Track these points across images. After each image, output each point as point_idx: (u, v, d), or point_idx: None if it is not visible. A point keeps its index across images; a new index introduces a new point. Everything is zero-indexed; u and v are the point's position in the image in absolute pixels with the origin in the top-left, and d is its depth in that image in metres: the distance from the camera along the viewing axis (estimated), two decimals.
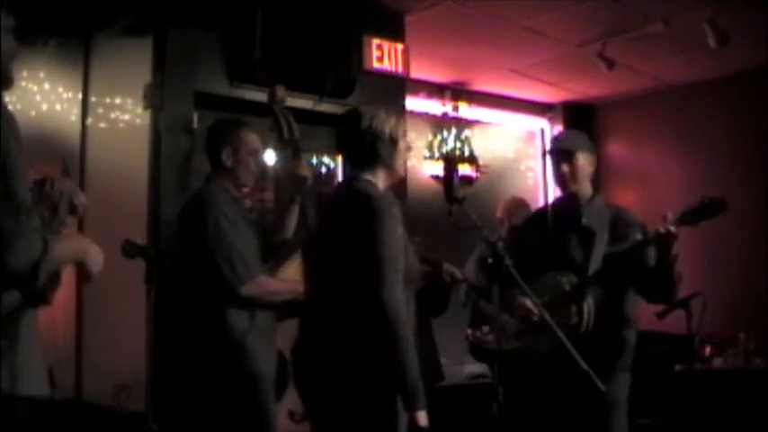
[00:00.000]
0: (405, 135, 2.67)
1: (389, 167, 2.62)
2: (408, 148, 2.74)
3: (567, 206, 3.31)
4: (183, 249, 3.39)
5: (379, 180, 2.60)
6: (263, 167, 3.40)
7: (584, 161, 3.27)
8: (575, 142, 3.33)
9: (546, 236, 3.11)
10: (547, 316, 2.68)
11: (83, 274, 2.27)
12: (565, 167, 3.25)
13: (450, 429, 4.50)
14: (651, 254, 3.08)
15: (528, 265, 2.97)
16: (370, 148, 2.57)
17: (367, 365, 2.41)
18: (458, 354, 4.95)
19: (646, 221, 3.18)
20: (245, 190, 3.54)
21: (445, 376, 4.17)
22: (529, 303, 3.03)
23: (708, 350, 5.45)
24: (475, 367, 5.41)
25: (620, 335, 3.18)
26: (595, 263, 3.09)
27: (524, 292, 2.81)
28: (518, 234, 3.59)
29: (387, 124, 2.60)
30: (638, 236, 3.11)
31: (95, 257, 2.22)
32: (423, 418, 2.34)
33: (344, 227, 2.50)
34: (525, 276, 2.85)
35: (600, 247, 3.11)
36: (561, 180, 3.29)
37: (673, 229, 2.96)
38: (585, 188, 3.30)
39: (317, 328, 2.60)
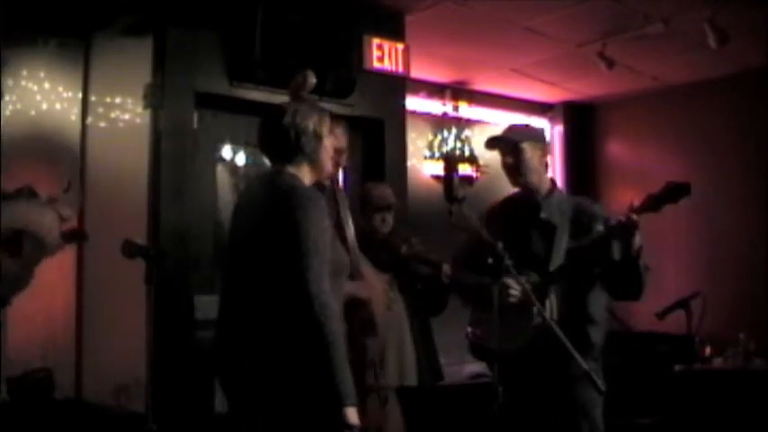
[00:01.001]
0: (329, 132, 2.66)
1: (314, 162, 2.61)
2: (340, 150, 2.70)
3: (523, 200, 3.19)
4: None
5: (305, 175, 2.59)
6: None
7: (531, 152, 3.13)
8: (518, 133, 3.22)
9: (505, 233, 2.89)
10: (540, 309, 2.63)
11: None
12: (509, 159, 3.14)
13: (451, 429, 4.51)
14: (616, 247, 2.95)
15: (488, 264, 2.91)
16: (294, 143, 2.57)
17: (296, 361, 2.37)
18: (458, 354, 4.94)
19: (642, 221, 3.07)
20: None
21: (445, 376, 4.16)
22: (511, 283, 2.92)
23: (708, 350, 5.45)
24: (475, 367, 5.40)
25: (584, 334, 3.00)
26: (557, 258, 2.97)
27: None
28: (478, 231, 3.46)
29: (310, 119, 2.60)
30: (600, 227, 2.98)
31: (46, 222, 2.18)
32: (353, 414, 2.32)
33: (268, 220, 2.48)
34: (487, 276, 2.83)
35: (561, 242, 3.00)
36: (507, 173, 3.17)
37: (634, 217, 2.86)
38: (541, 181, 3.17)
39: (240, 326, 2.54)
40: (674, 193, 2.87)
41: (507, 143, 3.17)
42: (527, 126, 3.39)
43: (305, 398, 2.37)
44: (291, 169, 2.58)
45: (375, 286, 2.89)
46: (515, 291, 2.91)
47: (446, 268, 3.74)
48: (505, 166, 3.17)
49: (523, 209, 3.16)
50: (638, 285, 2.99)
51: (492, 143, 3.24)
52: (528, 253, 3.02)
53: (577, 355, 2.62)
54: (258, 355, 2.45)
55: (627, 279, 2.98)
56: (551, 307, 2.91)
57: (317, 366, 2.33)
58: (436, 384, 4.07)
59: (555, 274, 2.94)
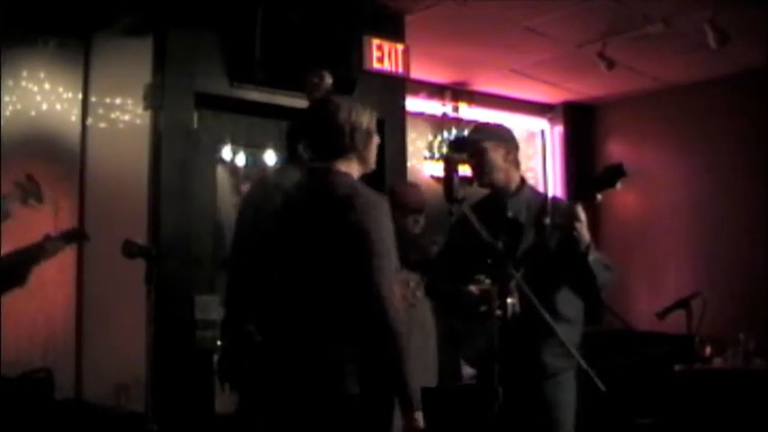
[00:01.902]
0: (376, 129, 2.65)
1: (365, 159, 2.60)
2: (378, 143, 2.70)
3: (490, 200, 3.16)
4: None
5: (354, 171, 2.57)
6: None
7: (493, 152, 3.10)
8: (480, 133, 3.20)
9: (474, 233, 2.78)
10: (534, 301, 2.60)
11: None
12: (472, 160, 3.12)
13: (450, 429, 4.51)
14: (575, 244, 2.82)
15: (460, 264, 2.89)
16: (349, 139, 2.54)
17: (361, 366, 2.35)
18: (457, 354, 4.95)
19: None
20: None
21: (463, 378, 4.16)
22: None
23: (708, 350, 5.44)
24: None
25: (552, 333, 2.81)
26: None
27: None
28: (448, 235, 3.43)
29: (364, 116, 2.58)
30: (547, 221, 2.86)
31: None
32: (421, 419, 2.31)
33: (328, 223, 2.44)
34: (458, 278, 2.81)
35: (528, 240, 2.94)
36: (472, 173, 3.14)
37: (576, 207, 2.74)
38: (508, 179, 3.13)
39: (289, 330, 2.50)
40: (608, 176, 2.74)
41: (469, 144, 3.16)
42: (491, 125, 3.36)
43: (367, 402, 2.36)
44: (342, 166, 2.54)
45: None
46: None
47: None
48: (470, 166, 3.14)
49: (490, 209, 3.10)
50: (591, 283, 2.87)
51: (455, 145, 3.23)
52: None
53: (578, 355, 2.61)
54: (314, 360, 2.41)
55: (579, 276, 2.88)
56: (513, 304, 2.76)
57: (386, 371, 2.32)
58: (455, 386, 4.07)
59: (511, 271, 2.75)
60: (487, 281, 2.89)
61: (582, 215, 2.77)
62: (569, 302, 3.00)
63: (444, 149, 6.42)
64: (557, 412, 2.94)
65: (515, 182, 3.16)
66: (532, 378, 2.91)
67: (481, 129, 3.28)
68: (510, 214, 3.06)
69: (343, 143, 2.54)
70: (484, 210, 3.08)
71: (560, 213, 2.81)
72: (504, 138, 3.19)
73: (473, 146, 3.13)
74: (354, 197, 2.42)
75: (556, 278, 2.94)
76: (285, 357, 2.49)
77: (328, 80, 3.51)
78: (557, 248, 2.84)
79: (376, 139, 2.64)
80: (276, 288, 2.58)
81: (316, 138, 2.63)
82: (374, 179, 4.67)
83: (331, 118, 2.54)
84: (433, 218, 3.98)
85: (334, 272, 2.40)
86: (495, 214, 3.06)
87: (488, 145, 3.11)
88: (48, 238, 3.52)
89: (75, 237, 3.75)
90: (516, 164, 3.19)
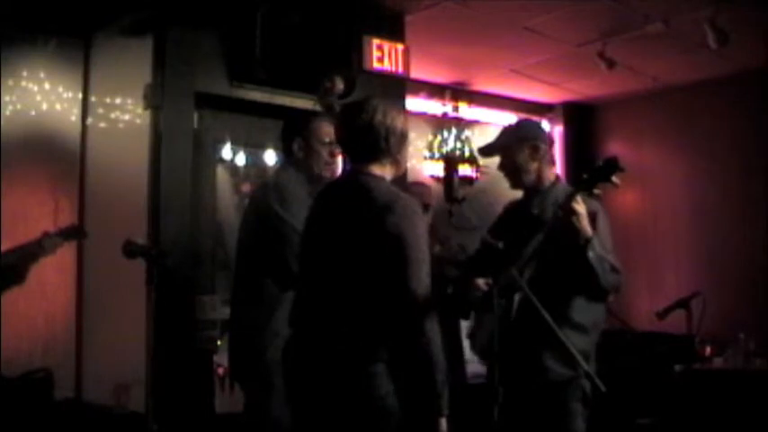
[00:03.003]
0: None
1: (398, 162, 2.59)
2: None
3: (523, 200, 3.13)
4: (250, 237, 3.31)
5: (387, 174, 2.57)
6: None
7: (519, 153, 3.04)
8: (503, 136, 3.15)
9: (504, 235, 2.80)
10: (532, 298, 2.59)
11: None
12: (501, 164, 3.10)
13: (450, 429, 4.50)
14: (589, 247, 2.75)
15: (489, 265, 2.85)
16: (383, 142, 2.52)
17: (393, 370, 2.36)
18: None
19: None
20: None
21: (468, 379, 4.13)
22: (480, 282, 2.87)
23: (708, 350, 5.44)
24: (474, 367, 5.40)
25: (559, 339, 2.70)
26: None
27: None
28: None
29: (399, 119, 2.57)
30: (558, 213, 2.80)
31: None
32: (444, 424, 2.32)
33: (364, 225, 2.43)
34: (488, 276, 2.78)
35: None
36: (505, 176, 3.11)
37: (575, 202, 2.69)
38: (541, 178, 3.07)
39: (321, 332, 2.48)
40: (603, 170, 2.72)
41: (495, 149, 3.14)
42: (515, 125, 3.27)
43: (397, 405, 2.36)
44: (377, 169, 2.54)
45: None
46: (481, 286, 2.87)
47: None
48: (501, 169, 3.12)
49: (519, 208, 3.11)
50: (593, 280, 2.78)
51: (484, 151, 3.21)
52: (521, 250, 2.84)
53: (578, 355, 2.59)
54: (349, 364, 2.40)
55: (580, 272, 2.79)
56: (516, 304, 2.76)
57: (417, 376, 2.33)
58: (459, 387, 4.05)
59: (515, 272, 2.71)
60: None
61: (580, 207, 2.72)
62: (584, 310, 2.93)
63: (444, 149, 6.42)
64: (559, 419, 2.88)
65: (549, 180, 3.10)
66: (534, 382, 2.88)
67: (505, 131, 3.21)
68: (535, 212, 3.00)
69: (379, 146, 2.53)
70: (515, 209, 3.09)
71: (560, 204, 2.76)
72: (528, 137, 3.10)
73: (499, 151, 3.11)
74: (395, 202, 2.42)
75: (567, 280, 2.85)
76: (317, 356, 2.48)
77: (340, 85, 3.52)
78: (561, 242, 2.76)
79: (409, 142, 2.64)
80: (309, 288, 2.58)
81: (351, 141, 2.60)
82: None
83: (368, 121, 2.52)
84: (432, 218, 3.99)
85: (370, 275, 2.40)
86: (521, 214, 3.05)
87: (512, 147, 3.07)
88: (46, 235, 3.52)
89: (74, 234, 3.74)
90: (548, 160, 3.12)
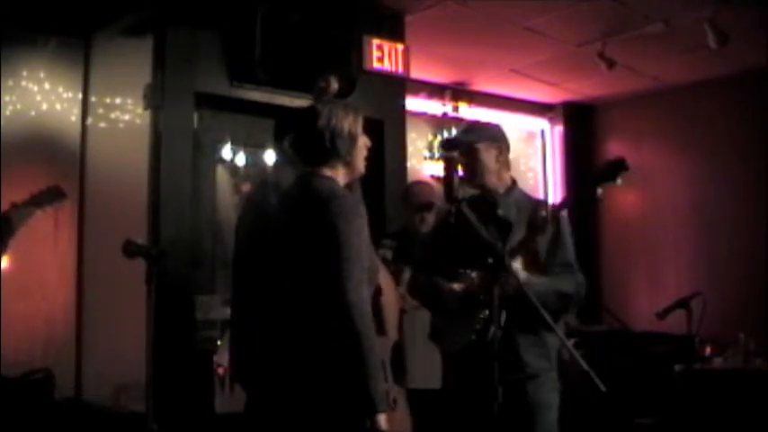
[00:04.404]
0: (363, 131, 2.65)
1: (349, 164, 2.60)
2: (367, 145, 2.69)
3: (481, 198, 3.14)
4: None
5: (339, 176, 2.58)
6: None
7: (485, 153, 3.10)
8: (471, 133, 3.18)
9: (464, 230, 2.80)
10: (532, 297, 2.60)
11: None
12: (464, 161, 3.10)
13: (449, 429, 4.51)
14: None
15: (446, 262, 2.91)
16: (329, 145, 2.55)
17: (327, 366, 2.36)
18: None
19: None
20: None
21: None
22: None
23: (708, 350, 5.44)
24: None
25: (536, 333, 2.92)
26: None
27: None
28: (435, 231, 3.40)
29: (345, 121, 2.58)
30: (543, 213, 2.88)
31: None
32: (383, 421, 2.32)
33: (306, 225, 2.46)
34: (444, 274, 2.84)
35: (515, 239, 2.95)
36: (465, 174, 3.11)
37: (562, 212, 2.83)
38: (500, 179, 3.14)
39: (264, 330, 2.53)
40: (610, 170, 2.81)
41: (461, 144, 3.16)
42: (483, 124, 3.36)
43: (333, 404, 2.37)
44: (327, 171, 2.56)
45: (387, 285, 2.86)
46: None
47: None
48: (461, 166, 3.10)
49: (481, 207, 3.08)
50: (540, 314, 2.69)
51: (447, 145, 3.23)
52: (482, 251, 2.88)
53: (577, 355, 2.60)
54: (285, 360, 2.44)
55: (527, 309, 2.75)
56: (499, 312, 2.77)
57: (350, 373, 2.33)
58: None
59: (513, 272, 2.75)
60: (473, 275, 2.91)
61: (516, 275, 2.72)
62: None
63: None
64: (538, 413, 2.93)
65: (506, 183, 3.17)
66: (513, 378, 2.87)
67: (473, 128, 3.28)
68: (501, 212, 3.06)
69: (324, 149, 2.55)
70: (473, 209, 3.08)
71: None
72: (496, 138, 3.18)
73: (465, 146, 3.13)
74: (330, 199, 2.44)
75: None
76: (270, 355, 2.52)
77: (335, 85, 3.52)
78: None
79: (362, 142, 2.64)
80: (264, 288, 2.61)
81: (299, 145, 2.65)
82: (374, 179, 4.72)
83: (310, 126, 2.57)
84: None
85: (310, 273, 2.43)
86: (485, 213, 3.05)
87: (481, 145, 3.11)
88: (13, 206, 3.39)
89: (49, 198, 3.54)
90: (507, 164, 3.19)
